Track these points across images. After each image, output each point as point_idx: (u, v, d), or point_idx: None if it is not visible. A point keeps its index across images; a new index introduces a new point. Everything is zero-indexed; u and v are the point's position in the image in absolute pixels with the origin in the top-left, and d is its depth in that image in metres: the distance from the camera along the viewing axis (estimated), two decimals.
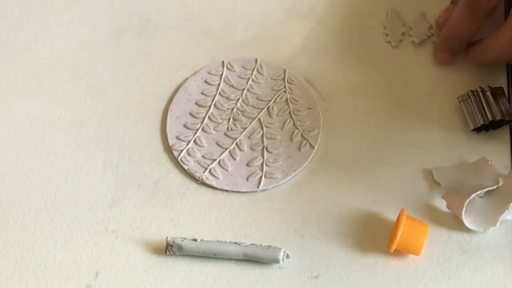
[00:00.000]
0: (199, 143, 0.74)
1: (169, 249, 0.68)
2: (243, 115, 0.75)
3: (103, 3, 0.82)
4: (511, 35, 0.71)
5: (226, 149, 0.73)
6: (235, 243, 0.68)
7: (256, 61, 0.78)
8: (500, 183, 0.70)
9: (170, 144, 0.74)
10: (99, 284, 0.68)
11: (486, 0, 0.71)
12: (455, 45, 0.75)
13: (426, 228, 0.67)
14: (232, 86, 0.76)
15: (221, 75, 0.77)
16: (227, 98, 0.76)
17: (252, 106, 0.75)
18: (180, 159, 0.73)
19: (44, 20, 0.81)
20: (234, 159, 0.73)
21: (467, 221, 0.68)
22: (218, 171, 0.72)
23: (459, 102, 0.73)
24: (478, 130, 0.72)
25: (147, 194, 0.72)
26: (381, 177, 0.71)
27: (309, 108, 0.75)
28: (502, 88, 0.73)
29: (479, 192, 0.69)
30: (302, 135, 0.73)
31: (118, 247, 0.70)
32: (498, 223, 0.68)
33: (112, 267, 0.69)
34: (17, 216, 0.71)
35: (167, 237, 0.69)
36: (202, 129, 0.74)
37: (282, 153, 0.73)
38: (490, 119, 0.71)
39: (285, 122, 0.74)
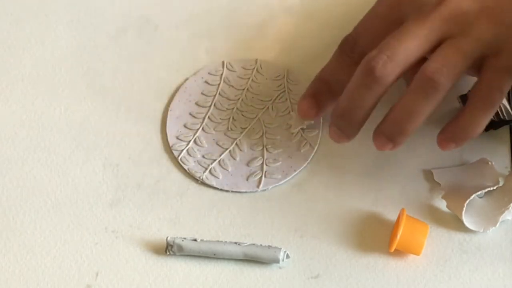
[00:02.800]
0: (199, 143, 0.74)
1: (169, 249, 0.68)
2: (243, 115, 0.75)
3: (103, 3, 0.82)
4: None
5: (226, 149, 0.73)
6: (235, 243, 0.68)
7: (256, 61, 0.78)
8: (500, 183, 0.70)
9: (170, 144, 0.74)
10: (99, 284, 0.68)
11: (381, 70, 0.63)
12: (322, 91, 0.70)
13: (426, 228, 0.67)
14: (232, 86, 0.76)
15: (221, 75, 0.77)
16: (227, 98, 0.76)
17: (252, 106, 0.75)
18: (180, 159, 0.73)
19: (44, 20, 0.81)
20: (234, 159, 0.73)
21: (467, 221, 0.68)
22: (218, 171, 0.72)
23: (459, 102, 0.73)
24: None
25: (147, 194, 0.72)
26: (381, 177, 0.71)
27: None
28: None
29: (479, 192, 0.69)
30: (302, 135, 0.73)
31: (118, 247, 0.69)
32: (498, 223, 0.68)
33: (112, 267, 0.69)
34: (17, 216, 0.71)
35: (167, 237, 0.69)
36: (202, 129, 0.74)
37: (282, 153, 0.73)
38: (490, 119, 0.71)
39: (285, 122, 0.74)
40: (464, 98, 0.73)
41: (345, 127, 0.68)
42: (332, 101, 0.70)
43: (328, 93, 0.70)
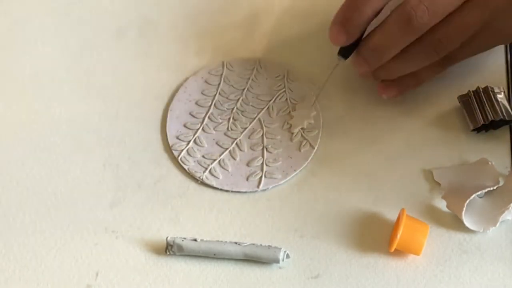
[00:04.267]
0: (199, 143, 0.74)
1: (169, 249, 0.68)
2: (243, 115, 0.75)
3: (103, 3, 0.82)
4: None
5: (226, 149, 0.73)
6: (235, 243, 0.68)
7: (256, 61, 0.78)
8: (500, 183, 0.70)
9: (170, 144, 0.74)
10: (99, 284, 0.68)
11: (418, 20, 0.66)
12: (353, 19, 0.68)
13: (426, 228, 0.67)
14: (232, 86, 0.77)
15: (221, 75, 0.77)
16: (227, 98, 0.76)
17: (252, 106, 0.75)
18: (180, 159, 0.73)
19: (44, 20, 0.81)
20: (234, 159, 0.73)
21: (467, 221, 0.68)
22: (218, 171, 0.72)
23: (459, 102, 0.73)
24: (478, 130, 0.72)
25: (147, 194, 0.72)
26: (381, 177, 0.71)
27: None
28: (502, 88, 0.73)
29: (479, 192, 0.69)
30: (302, 135, 0.73)
31: (118, 247, 0.70)
32: (498, 223, 0.68)
33: (112, 267, 0.69)
34: (17, 216, 0.71)
35: (167, 237, 0.69)
36: (202, 129, 0.74)
37: (282, 153, 0.73)
38: (490, 119, 0.71)
39: (285, 122, 0.74)
40: (464, 98, 0.73)
41: (372, 60, 0.70)
42: (362, 27, 0.69)
43: (358, 18, 0.69)
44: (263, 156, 0.73)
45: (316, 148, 0.73)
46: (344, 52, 0.71)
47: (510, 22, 0.69)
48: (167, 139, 0.74)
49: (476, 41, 0.70)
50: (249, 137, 0.74)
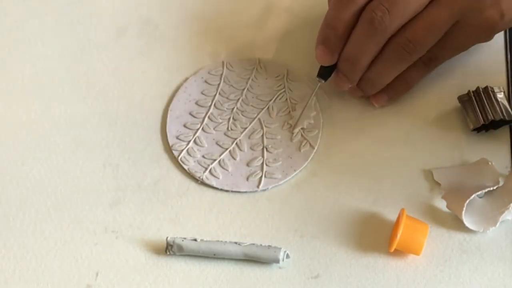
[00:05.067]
0: (199, 143, 0.74)
1: (169, 249, 0.68)
2: (243, 115, 0.75)
3: (103, 3, 0.82)
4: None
5: (226, 149, 0.73)
6: (235, 243, 0.68)
7: (256, 61, 0.78)
8: (500, 183, 0.70)
9: (170, 144, 0.74)
10: (99, 284, 0.68)
11: (380, 22, 0.67)
12: (331, 37, 0.70)
13: (426, 228, 0.67)
14: (232, 86, 0.76)
15: (221, 75, 0.77)
16: (227, 98, 0.76)
17: (252, 106, 0.75)
18: (180, 159, 0.73)
19: (44, 20, 0.81)
20: (234, 159, 0.73)
21: (467, 221, 0.68)
22: (218, 171, 0.72)
23: (459, 102, 0.73)
24: (478, 130, 0.72)
25: (147, 194, 0.72)
26: (381, 177, 0.71)
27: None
28: (502, 88, 0.73)
29: (479, 192, 0.69)
30: (302, 135, 0.73)
31: (118, 247, 0.70)
32: (498, 223, 0.68)
33: (112, 267, 0.69)
34: (17, 216, 0.71)
35: (167, 237, 0.69)
36: (202, 129, 0.74)
37: (282, 153, 0.73)
38: (490, 119, 0.71)
39: (285, 122, 0.74)
40: (464, 98, 0.73)
41: (349, 71, 0.70)
42: (340, 44, 0.70)
43: (335, 36, 0.70)
44: (263, 156, 0.73)
45: (316, 148, 0.73)
46: (323, 74, 0.72)
47: (482, 18, 0.69)
48: (167, 139, 0.74)
49: (453, 39, 0.70)
50: (249, 137, 0.74)
